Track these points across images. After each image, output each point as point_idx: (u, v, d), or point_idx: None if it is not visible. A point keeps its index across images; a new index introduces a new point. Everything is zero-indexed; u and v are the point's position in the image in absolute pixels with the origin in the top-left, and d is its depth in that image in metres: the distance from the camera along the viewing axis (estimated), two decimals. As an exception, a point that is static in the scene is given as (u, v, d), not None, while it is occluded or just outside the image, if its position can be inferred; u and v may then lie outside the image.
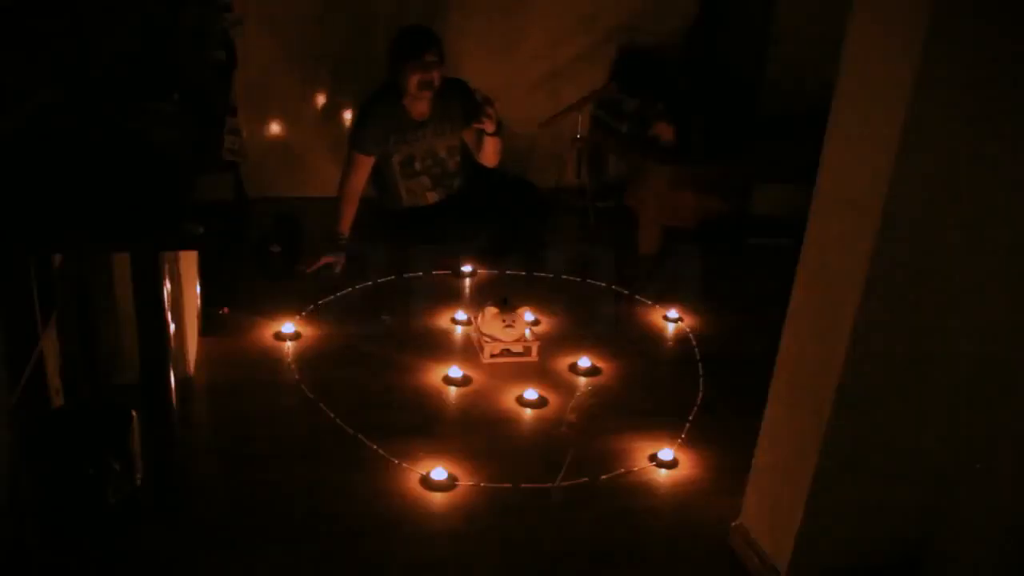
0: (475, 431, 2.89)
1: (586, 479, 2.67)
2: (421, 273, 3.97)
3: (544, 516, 2.53)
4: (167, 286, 2.44)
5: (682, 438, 2.90)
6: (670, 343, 3.59)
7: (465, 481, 2.63)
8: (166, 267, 2.68)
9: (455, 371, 3.16)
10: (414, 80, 3.93)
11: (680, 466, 2.77)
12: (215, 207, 2.17)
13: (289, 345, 3.31)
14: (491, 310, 3.32)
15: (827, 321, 2.05)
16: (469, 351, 3.36)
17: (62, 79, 2.45)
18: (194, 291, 3.22)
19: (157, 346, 2.20)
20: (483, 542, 2.42)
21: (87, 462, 2.28)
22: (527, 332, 3.37)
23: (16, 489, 2.17)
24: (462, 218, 4.20)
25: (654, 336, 3.62)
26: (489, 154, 4.19)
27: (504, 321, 3.29)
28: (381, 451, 2.72)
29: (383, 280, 3.87)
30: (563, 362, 3.31)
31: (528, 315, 3.48)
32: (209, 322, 3.38)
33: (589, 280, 4.01)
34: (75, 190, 2.11)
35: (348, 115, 4.72)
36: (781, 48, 4.94)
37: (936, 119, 1.80)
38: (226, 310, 3.47)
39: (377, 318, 3.57)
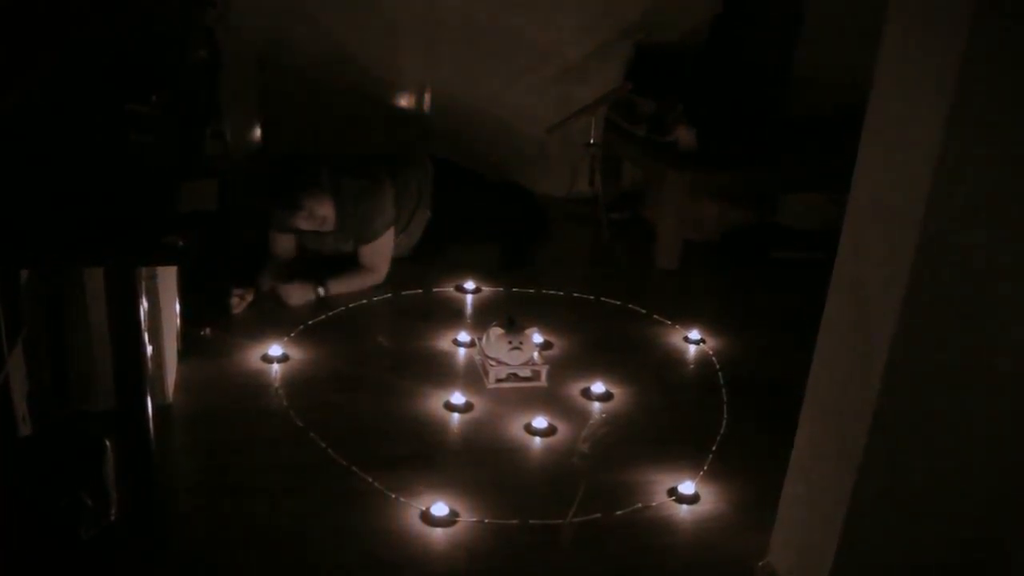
0: (479, 462, 2.89)
1: (599, 515, 2.66)
2: (420, 290, 3.98)
3: (554, 555, 2.53)
4: (144, 304, 2.44)
5: (704, 470, 2.90)
6: (691, 366, 3.58)
7: (468, 517, 2.62)
8: (143, 283, 2.68)
9: (457, 397, 3.15)
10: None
11: (702, 501, 2.76)
12: (197, 218, 2.17)
13: (277, 369, 3.31)
14: (496, 331, 3.32)
15: (862, 341, 2.04)
16: (472, 375, 3.36)
17: (32, 80, 2.46)
18: (173, 310, 3.23)
19: (133, 370, 2.21)
20: (487, 584, 2.42)
21: (57, 496, 2.28)
22: (535, 355, 3.36)
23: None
24: (455, 235, 4.20)
25: (673, 359, 3.62)
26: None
27: (510, 343, 3.29)
28: (377, 484, 2.72)
29: (379, 298, 3.88)
30: (575, 387, 3.31)
31: (536, 336, 3.47)
32: (190, 344, 3.38)
33: (603, 298, 4.01)
34: (45, 199, 2.12)
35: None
36: (811, 44, 4.96)
37: (981, 123, 1.79)
38: (208, 331, 3.48)
39: (373, 339, 3.58)
